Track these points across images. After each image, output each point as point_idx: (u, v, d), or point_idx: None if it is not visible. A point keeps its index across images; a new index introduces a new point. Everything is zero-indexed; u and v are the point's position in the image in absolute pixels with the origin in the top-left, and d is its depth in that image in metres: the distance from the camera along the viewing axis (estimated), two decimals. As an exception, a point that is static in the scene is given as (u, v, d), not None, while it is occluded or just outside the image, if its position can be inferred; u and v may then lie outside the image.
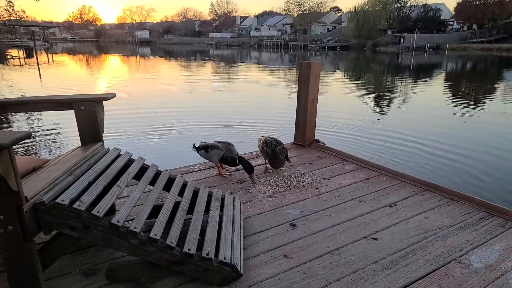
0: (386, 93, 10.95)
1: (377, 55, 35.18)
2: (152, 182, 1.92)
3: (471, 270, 1.57)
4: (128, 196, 1.65)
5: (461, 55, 33.01)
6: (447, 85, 13.63)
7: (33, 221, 1.34)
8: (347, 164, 2.85)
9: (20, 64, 20.98)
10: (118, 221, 1.42)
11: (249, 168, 2.50)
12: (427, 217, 2.01)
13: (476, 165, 4.33)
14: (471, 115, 7.56)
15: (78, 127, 2.01)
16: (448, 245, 1.75)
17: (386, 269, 1.57)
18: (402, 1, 55.45)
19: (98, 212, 1.41)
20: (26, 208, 1.29)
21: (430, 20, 51.10)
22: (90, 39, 78.99)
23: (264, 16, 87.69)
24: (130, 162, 1.99)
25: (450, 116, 7.45)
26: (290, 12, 71.97)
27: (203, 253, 1.49)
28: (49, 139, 5.37)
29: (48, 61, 24.94)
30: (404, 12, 54.94)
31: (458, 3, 48.33)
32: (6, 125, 6.36)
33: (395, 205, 2.16)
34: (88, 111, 1.98)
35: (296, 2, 68.97)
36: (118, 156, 1.99)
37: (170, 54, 37.05)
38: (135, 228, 1.44)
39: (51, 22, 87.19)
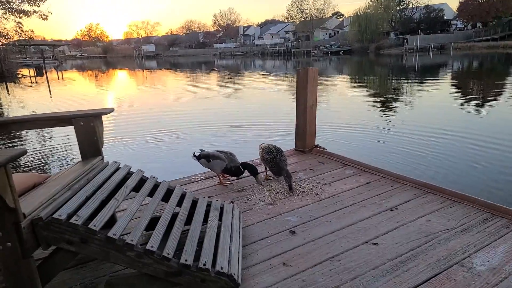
0: (390, 96, 10.89)
1: (381, 58, 35.11)
2: (151, 194, 1.94)
3: (474, 273, 1.54)
4: (126, 209, 1.66)
5: (467, 54, 32.75)
6: (452, 85, 13.52)
7: (31, 237, 1.36)
8: (348, 169, 2.83)
9: (31, 83, 21.42)
10: (114, 234, 1.43)
11: (253, 171, 2.52)
12: (428, 220, 1.98)
13: (480, 166, 4.26)
14: (474, 115, 7.47)
15: (78, 142, 2.04)
16: (450, 248, 1.73)
17: (387, 274, 1.55)
18: (404, 3, 55.48)
19: (94, 225, 1.42)
20: (24, 225, 1.31)
21: (433, 21, 51.00)
22: (98, 55, 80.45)
23: (266, 24, 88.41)
24: (129, 174, 2.01)
25: (453, 117, 7.37)
26: (292, 19, 72.51)
27: (200, 263, 1.49)
28: (52, 155, 5.45)
29: (58, 78, 25.41)
30: (407, 14, 54.94)
31: (460, 2, 48.13)
32: (8, 142, 6.48)
33: (396, 208, 2.13)
34: (87, 126, 2.02)
35: (298, 9, 69.56)
36: (117, 169, 2.01)
37: (175, 66, 37.49)
38: (131, 240, 1.45)
39: (60, 41, 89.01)
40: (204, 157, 2.63)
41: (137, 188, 1.92)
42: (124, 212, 1.63)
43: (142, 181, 2.01)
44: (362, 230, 1.90)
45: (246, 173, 2.62)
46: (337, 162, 3.00)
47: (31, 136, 6.89)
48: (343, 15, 74.95)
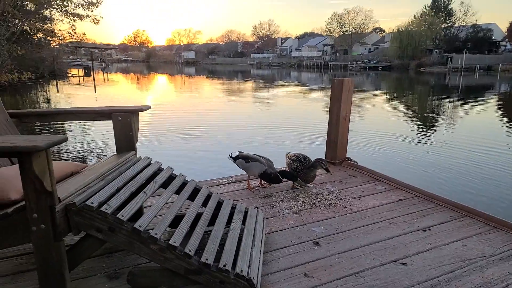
0: (429, 114, 10.48)
1: (422, 76, 33.96)
2: (178, 192, 1.97)
3: (511, 305, 1.42)
4: (154, 204, 1.70)
5: (516, 77, 30.98)
6: (498, 107, 12.79)
7: (64, 221, 1.41)
8: (379, 184, 2.74)
9: (79, 82, 22.79)
10: (140, 226, 1.47)
11: (293, 176, 2.55)
12: (464, 245, 1.86)
13: None
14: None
15: (114, 136, 2.12)
16: (486, 277, 1.61)
17: (414, 296, 1.47)
18: (450, 21, 53.60)
19: (122, 216, 1.47)
20: (58, 208, 1.36)
21: (481, 41, 48.82)
22: (142, 59, 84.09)
23: (305, 37, 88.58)
24: (159, 171, 2.06)
25: (497, 140, 6.93)
26: (331, 33, 72.14)
27: (220, 264, 1.48)
28: (91, 148, 5.79)
29: (104, 79, 26.85)
30: (452, 32, 52.99)
31: (510, 23, 45.79)
32: (52, 133, 6.91)
33: (429, 229, 2.02)
34: (124, 121, 2.10)
35: (337, 23, 69.15)
36: (148, 164, 2.06)
37: (212, 73, 38.38)
38: (155, 234, 1.47)
39: (109, 45, 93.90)
40: (242, 158, 2.62)
41: (165, 185, 1.96)
42: (151, 206, 1.67)
43: (171, 178, 2.05)
44: (390, 248, 1.82)
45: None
46: (368, 177, 2.91)
47: (74, 129, 7.31)
48: (384, 30, 73.72)
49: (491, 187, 4.17)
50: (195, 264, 1.46)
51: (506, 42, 50.73)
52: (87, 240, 1.52)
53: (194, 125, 7.79)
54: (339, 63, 54.77)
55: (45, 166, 1.29)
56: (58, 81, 22.19)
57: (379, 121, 9.01)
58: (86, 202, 1.43)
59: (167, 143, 6.06)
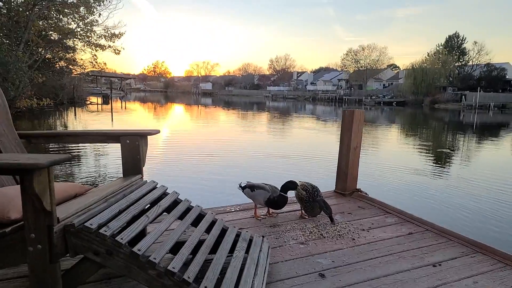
0: (442, 149, 10.30)
1: (436, 112, 33.76)
2: (182, 217, 1.94)
3: None
4: (155, 228, 1.67)
5: (531, 115, 30.44)
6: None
7: (62, 242, 1.39)
8: (389, 217, 2.65)
9: (97, 110, 23.51)
10: (139, 250, 1.43)
11: (293, 184, 2.56)
12: (476, 282, 1.75)
13: None
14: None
15: (122, 159, 2.14)
16: (503, 318, 1.49)
17: (424, 337, 1.37)
18: (464, 60, 53.90)
19: (121, 239, 1.44)
20: (57, 229, 1.35)
21: (495, 79, 48.71)
22: (160, 89, 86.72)
23: (320, 71, 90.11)
24: (164, 195, 2.04)
25: (510, 176, 6.74)
26: (346, 68, 73.24)
27: (219, 292, 1.43)
28: (98, 170, 5.86)
29: (122, 107, 27.66)
30: (466, 71, 53.13)
31: (524, 63, 45.68)
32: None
33: (440, 265, 1.92)
34: (132, 145, 2.12)
35: (352, 59, 70.34)
36: (154, 188, 2.06)
37: (228, 104, 39.11)
38: (154, 259, 1.43)
39: (128, 74, 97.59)
40: (249, 187, 2.65)
41: (170, 209, 1.94)
42: (152, 231, 1.64)
43: (176, 203, 2.03)
44: (399, 283, 1.72)
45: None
46: (378, 209, 2.82)
47: (83, 152, 7.43)
48: (398, 67, 74.34)
49: (504, 224, 4.01)
50: (192, 292, 1.41)
51: (521, 81, 50.43)
52: (84, 263, 1.49)
53: (207, 153, 7.85)
54: (354, 97, 55.10)
55: (46, 185, 1.29)
56: (76, 108, 22.95)
57: (392, 154, 8.88)
58: (85, 224, 1.42)
59: (177, 169, 6.09)
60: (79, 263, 1.50)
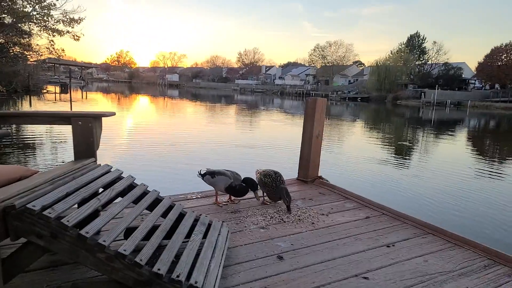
0: (402, 142, 10.79)
1: (398, 108, 35.26)
2: (138, 201, 1.87)
3: (473, 321, 1.38)
4: (106, 210, 1.60)
5: (483, 113, 32.64)
6: (468, 139, 13.32)
7: (1, 225, 1.29)
8: (348, 202, 2.71)
9: (55, 99, 22.20)
10: (87, 232, 1.36)
11: (254, 186, 2.47)
12: (426, 261, 1.83)
13: (485, 211, 4.12)
14: (487, 166, 7.29)
15: (73, 141, 2.02)
16: (448, 293, 1.57)
17: (375, 312, 1.40)
18: (424, 59, 56.55)
19: (67, 221, 1.36)
20: (-5, 211, 1.25)
21: (452, 78, 51.61)
22: (124, 80, 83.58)
23: (288, 66, 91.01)
24: (118, 179, 1.95)
25: (464, 166, 7.25)
26: (313, 63, 74.50)
27: (173, 274, 1.38)
28: (47, 153, 5.52)
29: (82, 98, 26.34)
30: (425, 69, 55.82)
31: (479, 63, 48.72)
32: (15, 138, 6.59)
33: (393, 245, 1.99)
34: (85, 126, 2.01)
35: (319, 55, 71.65)
36: (107, 172, 1.96)
37: (196, 97, 38.50)
38: (104, 241, 1.36)
39: (90, 63, 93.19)
40: (209, 174, 2.56)
41: (125, 193, 1.86)
42: (103, 213, 1.56)
43: (132, 187, 1.95)
44: (354, 263, 1.76)
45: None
46: (338, 195, 2.88)
47: (30, 133, 6.98)
48: (363, 64, 76.71)
49: (455, 207, 4.30)
50: (145, 275, 1.35)
51: (475, 80, 53.78)
52: (27, 248, 1.40)
53: (171, 143, 7.67)
54: (320, 92, 56.20)
55: (-18, 163, 1.19)
56: (32, 97, 21.58)
57: (355, 145, 9.18)
58: (27, 205, 1.32)
59: (138, 157, 5.89)
60: (21, 248, 1.40)
